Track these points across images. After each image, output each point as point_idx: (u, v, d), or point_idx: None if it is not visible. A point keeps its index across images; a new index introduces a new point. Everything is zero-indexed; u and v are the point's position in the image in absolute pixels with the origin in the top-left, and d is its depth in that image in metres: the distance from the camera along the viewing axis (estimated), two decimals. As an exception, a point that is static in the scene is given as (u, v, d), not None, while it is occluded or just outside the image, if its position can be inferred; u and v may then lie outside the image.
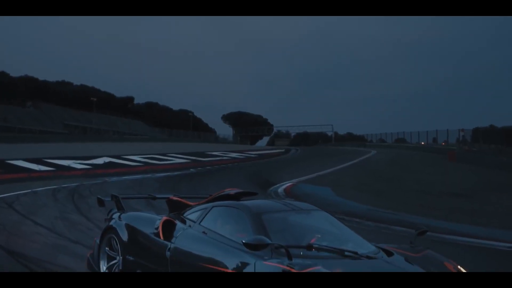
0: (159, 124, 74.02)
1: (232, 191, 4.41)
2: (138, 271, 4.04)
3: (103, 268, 4.51)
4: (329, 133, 79.34)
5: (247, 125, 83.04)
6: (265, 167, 24.26)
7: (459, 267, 3.47)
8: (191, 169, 20.94)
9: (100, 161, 22.31)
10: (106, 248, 4.57)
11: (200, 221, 3.95)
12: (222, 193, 4.43)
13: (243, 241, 3.03)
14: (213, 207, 4.03)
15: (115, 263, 4.41)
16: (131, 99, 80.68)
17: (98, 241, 4.70)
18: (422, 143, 41.64)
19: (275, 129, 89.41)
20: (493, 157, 26.99)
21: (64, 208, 9.56)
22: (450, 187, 16.79)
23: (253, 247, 3.00)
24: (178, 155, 28.54)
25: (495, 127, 40.47)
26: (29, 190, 11.87)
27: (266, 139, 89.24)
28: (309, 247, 3.16)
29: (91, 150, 28.51)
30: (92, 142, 40.55)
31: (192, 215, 4.16)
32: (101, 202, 5.05)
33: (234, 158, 29.92)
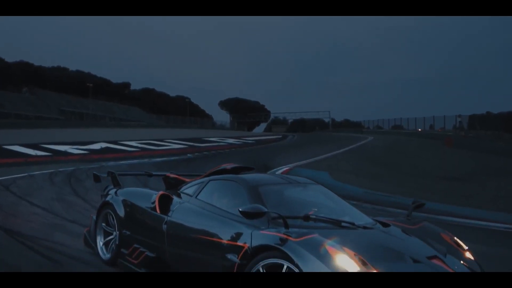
0: (156, 110, 73.72)
1: (229, 166, 4.40)
2: (135, 245, 4.04)
3: (100, 243, 4.52)
4: (326, 120, 79.38)
5: (244, 112, 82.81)
6: (262, 152, 24.28)
7: (455, 238, 3.49)
8: (188, 154, 20.96)
9: (97, 146, 22.27)
10: (103, 224, 4.57)
11: (197, 195, 3.94)
12: (218, 168, 4.41)
13: (240, 209, 3.02)
14: (209, 181, 4.02)
15: (111, 239, 4.42)
16: (127, 85, 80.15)
17: (94, 217, 4.70)
18: (419, 129, 41.69)
19: (272, 116, 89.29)
20: (489, 143, 27.11)
21: (61, 190, 9.54)
22: (447, 172, 16.89)
23: (249, 215, 3.00)
24: (175, 141, 28.50)
25: (491, 114, 40.57)
26: (26, 174, 11.84)
27: (263, 125, 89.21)
28: (306, 217, 3.16)
29: (88, 135, 28.43)
30: (89, 128, 40.40)
31: (188, 189, 4.15)
32: (97, 178, 5.04)
33: (231, 143, 29.90)
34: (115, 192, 4.60)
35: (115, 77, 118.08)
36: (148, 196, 4.19)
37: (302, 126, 77.57)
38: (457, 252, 3.28)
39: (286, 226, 2.97)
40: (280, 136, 44.71)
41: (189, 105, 77.55)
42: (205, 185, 3.98)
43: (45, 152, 18.62)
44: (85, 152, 19.86)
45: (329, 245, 2.68)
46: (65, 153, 19.00)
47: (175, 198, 4.06)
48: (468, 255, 3.31)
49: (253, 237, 2.99)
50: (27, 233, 5.46)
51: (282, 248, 2.73)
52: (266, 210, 3.04)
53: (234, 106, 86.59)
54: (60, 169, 13.13)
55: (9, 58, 63.68)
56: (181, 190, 4.25)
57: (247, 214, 3.00)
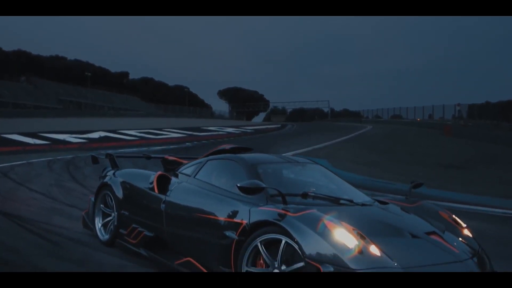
0: (155, 99, 73.47)
1: (228, 146, 4.40)
2: (133, 225, 4.04)
3: (98, 225, 4.53)
4: (326, 109, 79.09)
5: (243, 101, 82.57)
6: (261, 141, 24.28)
7: (454, 216, 3.50)
8: (187, 143, 20.99)
9: (95, 135, 22.29)
10: (101, 205, 4.57)
11: (195, 175, 3.93)
12: (217, 149, 4.41)
13: (238, 185, 3.01)
14: (208, 160, 4.01)
15: (110, 220, 4.42)
16: (126, 74, 79.83)
17: (93, 199, 4.70)
18: (418, 119, 41.62)
19: (271, 105, 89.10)
20: (488, 131, 27.12)
21: (60, 177, 9.54)
22: (446, 160, 16.91)
23: (247, 190, 2.98)
24: (174, 130, 28.51)
25: (490, 103, 40.59)
26: (24, 161, 11.84)
27: (262, 115, 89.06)
28: (304, 195, 3.15)
29: (87, 124, 28.42)
30: (88, 117, 40.34)
31: (187, 170, 4.14)
32: (95, 160, 5.03)
33: (230, 133, 29.91)
34: (113, 174, 4.60)
35: (114, 67, 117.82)
36: (146, 177, 4.18)
37: (301, 115, 77.45)
38: (456, 229, 3.30)
39: (285, 202, 2.97)
40: (279, 126, 44.72)
41: (188, 95, 77.31)
42: (204, 165, 3.97)
43: (44, 141, 18.62)
44: (84, 140, 19.88)
45: (327, 219, 2.68)
46: (64, 142, 19.01)
47: (173, 179, 4.05)
48: (466, 232, 3.32)
49: (251, 213, 2.98)
50: (26, 217, 5.45)
51: (280, 223, 2.73)
52: (264, 185, 3.03)
53: (233, 95, 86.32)
54: (59, 157, 13.13)
55: (7, 47, 63.48)
56: (179, 170, 4.24)
57: (245, 190, 2.98)
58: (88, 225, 4.68)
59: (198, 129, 30.49)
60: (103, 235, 4.44)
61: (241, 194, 3.13)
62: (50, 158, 12.71)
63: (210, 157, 4.09)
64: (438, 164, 15.55)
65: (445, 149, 20.77)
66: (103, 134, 23.01)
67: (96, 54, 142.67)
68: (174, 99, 74.67)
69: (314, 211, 2.79)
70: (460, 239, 3.17)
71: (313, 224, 2.65)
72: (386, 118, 50.34)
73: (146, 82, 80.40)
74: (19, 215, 5.54)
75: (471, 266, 2.82)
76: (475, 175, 13.49)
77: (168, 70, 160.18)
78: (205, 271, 3.21)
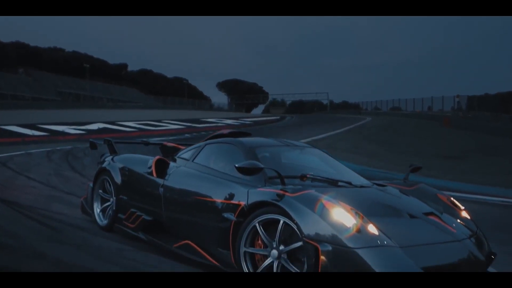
0: (154, 91, 73.26)
1: (226, 131, 4.39)
2: (132, 210, 4.04)
3: (97, 210, 4.53)
4: (325, 102, 78.89)
5: (243, 93, 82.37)
6: (260, 132, 24.26)
7: (452, 198, 3.51)
8: (186, 135, 20.98)
9: (94, 127, 22.28)
10: (100, 190, 4.57)
11: (193, 159, 3.92)
12: (215, 134, 4.40)
13: (236, 165, 3.00)
14: (206, 145, 4.00)
15: (108, 205, 4.42)
16: (125, 66, 79.58)
17: (91, 184, 4.70)
18: (418, 110, 41.59)
19: (270, 97, 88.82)
20: (488, 123, 27.12)
21: (58, 167, 9.54)
22: (445, 151, 16.94)
23: (245, 170, 2.98)
24: (173, 121, 28.49)
25: (489, 95, 40.55)
26: (23, 152, 11.83)
27: (261, 107, 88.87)
28: (303, 177, 3.15)
29: (85, 116, 28.37)
30: (86, 109, 40.28)
31: (185, 154, 4.14)
32: (93, 145, 5.02)
33: (229, 124, 29.88)
34: (112, 159, 4.59)
35: (112, 58, 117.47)
36: (144, 162, 4.18)
37: (300, 107, 77.25)
38: (454, 211, 3.31)
39: (283, 183, 2.96)
40: (279, 117, 44.71)
41: (187, 87, 77.09)
42: (202, 149, 3.97)
43: (42, 132, 18.60)
44: (83, 132, 19.88)
45: (325, 199, 2.68)
46: (63, 133, 19.00)
47: (171, 163, 4.05)
48: (464, 214, 3.33)
49: (250, 194, 2.98)
50: (25, 204, 5.45)
51: (278, 203, 2.72)
52: (262, 166, 3.02)
53: (232, 87, 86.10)
54: (58, 148, 13.12)
55: (5, 38, 63.15)
56: (177, 155, 4.23)
57: (243, 170, 2.97)
58: (87, 210, 4.68)
59: (197, 121, 30.47)
60: (101, 220, 4.44)
61: (240, 176, 3.12)
62: (49, 149, 12.71)
63: (208, 141, 4.09)
64: (437, 155, 15.57)
65: (444, 140, 20.79)
66: (102, 125, 23.00)
67: (94, 46, 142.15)
68: (173, 91, 74.45)
69: (312, 191, 2.78)
70: (458, 220, 3.18)
71: (312, 204, 2.65)
72: (385, 110, 50.22)
73: (145, 74, 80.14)
74: (18, 202, 5.54)
75: (469, 246, 2.84)
76: (474, 166, 13.51)
77: (167, 62, 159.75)
78: (203, 253, 3.22)
